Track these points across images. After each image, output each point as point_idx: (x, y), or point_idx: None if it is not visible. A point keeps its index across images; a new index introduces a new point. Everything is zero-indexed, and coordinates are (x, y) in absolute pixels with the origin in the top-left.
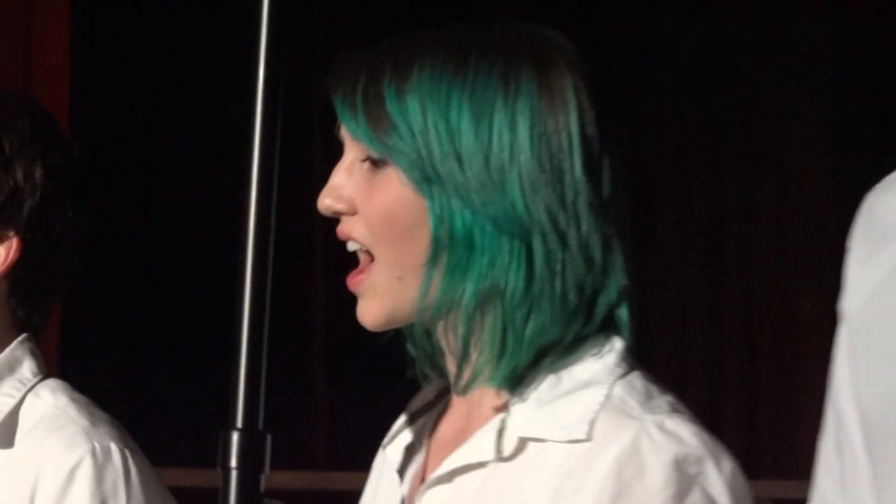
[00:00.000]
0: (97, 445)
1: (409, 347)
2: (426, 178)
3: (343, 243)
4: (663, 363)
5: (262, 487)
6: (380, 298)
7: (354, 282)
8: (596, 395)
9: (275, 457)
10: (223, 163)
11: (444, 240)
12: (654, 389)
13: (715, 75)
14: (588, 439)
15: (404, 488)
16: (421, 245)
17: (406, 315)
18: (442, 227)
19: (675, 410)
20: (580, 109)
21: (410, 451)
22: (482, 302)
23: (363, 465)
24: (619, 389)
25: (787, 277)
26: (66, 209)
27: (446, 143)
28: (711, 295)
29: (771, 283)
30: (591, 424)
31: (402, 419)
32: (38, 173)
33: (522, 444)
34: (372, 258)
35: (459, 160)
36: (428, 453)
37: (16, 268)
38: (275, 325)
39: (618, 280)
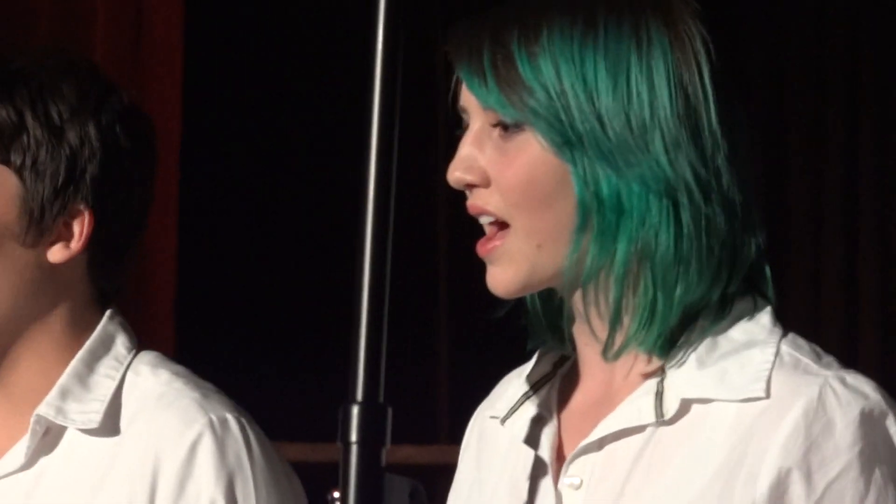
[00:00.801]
0: (214, 417)
1: (531, 315)
2: (567, 141)
3: (465, 213)
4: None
5: (384, 462)
6: (516, 265)
7: (487, 249)
8: (765, 354)
9: (396, 431)
10: (342, 134)
11: (591, 204)
12: (818, 348)
13: (851, 33)
14: (766, 397)
15: (543, 458)
16: (564, 211)
17: (543, 282)
18: (588, 190)
19: (846, 367)
20: (711, 61)
21: (537, 424)
22: (633, 264)
23: None
24: (786, 347)
25: None
26: (128, 167)
27: (585, 103)
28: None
29: None
30: (768, 382)
31: (516, 392)
32: (93, 136)
33: (685, 405)
34: (504, 226)
35: (600, 120)
36: (560, 424)
37: (92, 241)
38: (396, 298)
39: (757, 235)
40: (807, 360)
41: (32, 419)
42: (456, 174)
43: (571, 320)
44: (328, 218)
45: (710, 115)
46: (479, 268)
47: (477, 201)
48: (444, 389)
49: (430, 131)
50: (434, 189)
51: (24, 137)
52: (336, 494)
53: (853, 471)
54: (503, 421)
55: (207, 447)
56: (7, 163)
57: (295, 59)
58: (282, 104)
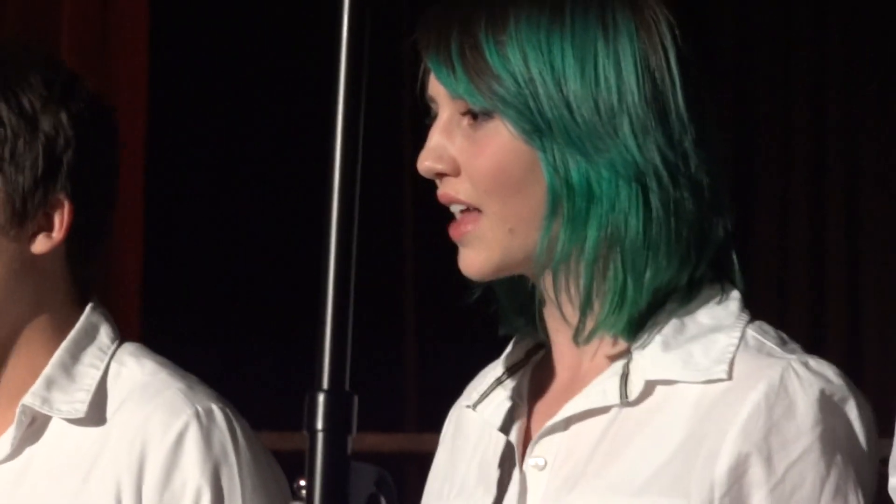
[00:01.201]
0: (199, 408)
1: (501, 301)
2: (536, 129)
3: (432, 198)
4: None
5: (350, 449)
6: (487, 249)
7: (460, 232)
8: (730, 338)
9: (363, 419)
10: (307, 121)
11: (561, 190)
12: (783, 335)
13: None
14: (729, 378)
15: (512, 441)
16: (534, 197)
17: (515, 265)
18: (558, 177)
19: (810, 353)
20: (677, 45)
21: (509, 410)
22: (604, 249)
23: None
24: (752, 331)
25: None
26: (100, 154)
27: (553, 90)
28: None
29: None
30: (731, 364)
31: (489, 379)
32: (66, 125)
33: (650, 387)
34: (475, 212)
35: (569, 106)
36: (531, 410)
37: (71, 231)
38: (362, 285)
39: (724, 217)
40: (771, 345)
41: (18, 409)
42: (426, 164)
43: (543, 305)
44: (294, 206)
45: (678, 99)
46: (447, 254)
47: (448, 190)
48: (411, 377)
49: (395, 117)
50: (400, 175)
51: (1, 129)
52: (302, 483)
53: (814, 453)
54: (475, 406)
55: (193, 437)
56: None
57: (261, 46)
58: (248, 91)
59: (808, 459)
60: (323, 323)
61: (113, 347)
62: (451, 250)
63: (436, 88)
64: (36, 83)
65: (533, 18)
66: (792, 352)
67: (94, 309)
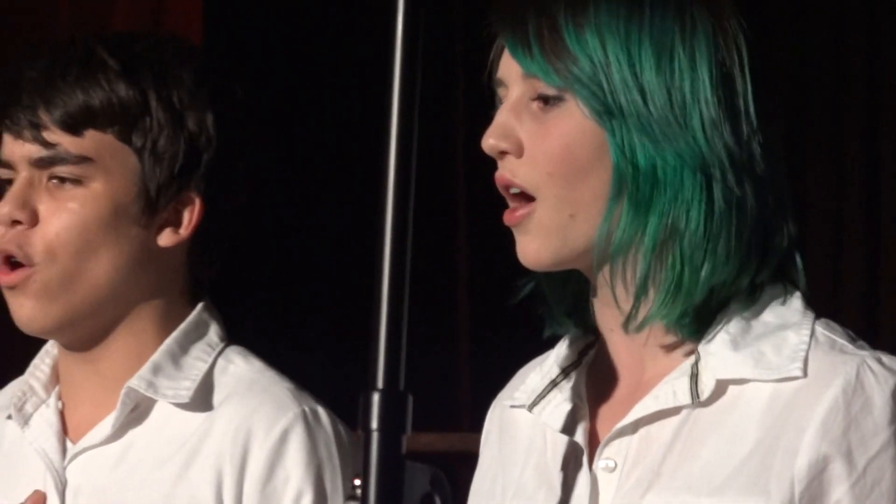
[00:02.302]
0: (307, 408)
1: (548, 302)
2: (608, 110)
3: (486, 194)
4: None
5: (404, 449)
6: (546, 236)
7: (515, 217)
8: (801, 335)
9: (417, 418)
10: (363, 120)
11: (626, 172)
12: (851, 333)
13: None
14: (804, 376)
15: (580, 443)
16: (599, 180)
17: (576, 254)
18: (624, 159)
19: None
20: (751, 49)
21: (570, 412)
22: (664, 238)
23: None
24: (821, 329)
25: None
26: (241, 161)
27: (629, 75)
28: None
29: None
30: (805, 362)
31: (541, 380)
32: (210, 125)
33: (721, 386)
34: (529, 199)
35: (642, 93)
36: (592, 411)
37: (198, 229)
38: (416, 285)
39: (788, 225)
40: (842, 341)
41: (123, 391)
42: (490, 141)
43: (595, 304)
44: (349, 204)
45: (748, 103)
46: (501, 252)
47: (505, 172)
48: (465, 376)
49: (450, 116)
50: (454, 173)
51: (147, 120)
52: (357, 482)
53: (893, 447)
54: (530, 408)
55: (299, 436)
56: (129, 143)
57: (314, 48)
58: (301, 89)
59: (888, 454)
60: (377, 322)
61: (221, 345)
62: (505, 248)
63: (508, 70)
64: (188, 79)
65: (613, 7)
66: (863, 348)
67: (205, 307)
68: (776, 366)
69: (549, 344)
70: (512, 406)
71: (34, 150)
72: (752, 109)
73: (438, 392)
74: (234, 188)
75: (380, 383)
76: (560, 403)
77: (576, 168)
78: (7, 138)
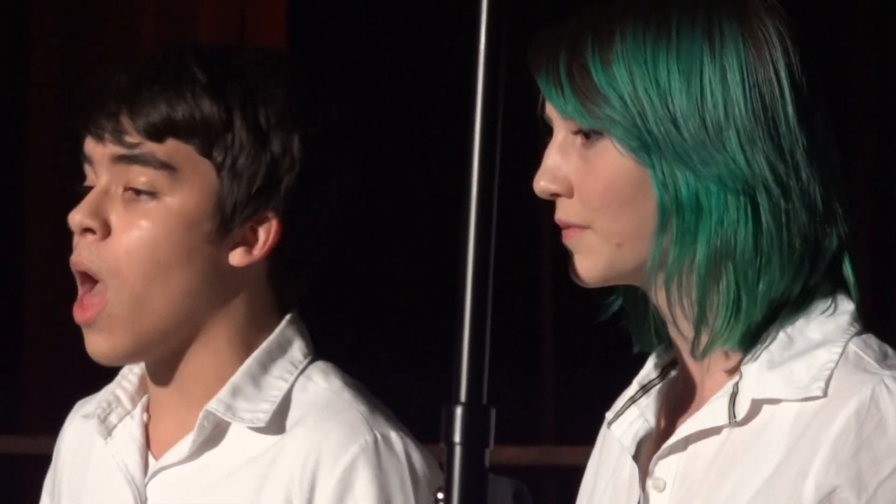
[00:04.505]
0: (378, 434)
1: (631, 319)
2: (644, 146)
3: None
4: None
5: (487, 462)
6: (594, 258)
7: (570, 235)
8: (831, 353)
9: (500, 432)
10: (446, 131)
11: (670, 206)
12: (889, 349)
13: None
14: (823, 396)
15: (635, 462)
16: (643, 214)
17: (625, 274)
18: (667, 193)
19: None
20: (787, 55)
21: (639, 429)
22: (714, 263)
23: (590, 439)
24: (854, 346)
25: None
26: (325, 183)
27: (659, 106)
28: None
29: None
30: (827, 381)
31: (626, 395)
32: (295, 148)
33: (756, 406)
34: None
35: (675, 122)
36: (660, 427)
37: (276, 249)
38: (499, 298)
39: (839, 228)
40: (868, 359)
41: (201, 414)
42: (541, 184)
43: (664, 322)
44: (432, 217)
45: (787, 110)
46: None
47: (561, 215)
48: (548, 389)
49: (532, 129)
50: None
51: (229, 137)
52: (440, 495)
53: None
54: (609, 424)
55: (368, 464)
56: (209, 157)
57: (399, 55)
58: (386, 96)
59: None
60: (460, 335)
61: (305, 363)
62: None
63: (550, 109)
64: (278, 98)
65: (639, 35)
66: (889, 367)
67: (290, 323)
68: (802, 385)
69: (635, 358)
70: (607, 422)
71: (116, 150)
72: (791, 116)
73: (522, 405)
74: (315, 209)
75: (463, 397)
76: (633, 420)
77: (619, 203)
78: (89, 141)
